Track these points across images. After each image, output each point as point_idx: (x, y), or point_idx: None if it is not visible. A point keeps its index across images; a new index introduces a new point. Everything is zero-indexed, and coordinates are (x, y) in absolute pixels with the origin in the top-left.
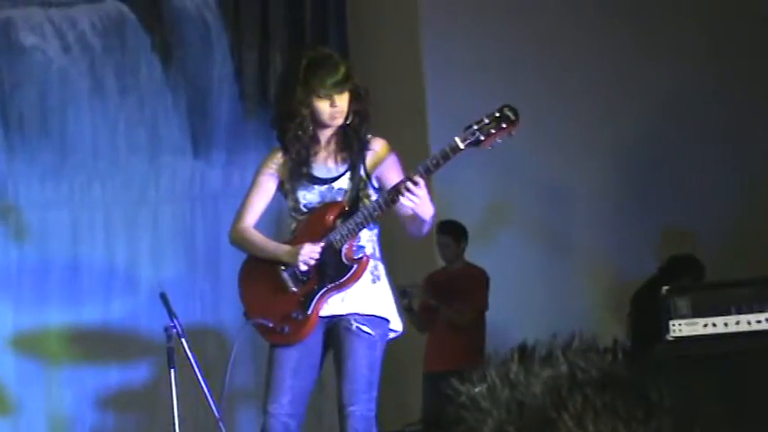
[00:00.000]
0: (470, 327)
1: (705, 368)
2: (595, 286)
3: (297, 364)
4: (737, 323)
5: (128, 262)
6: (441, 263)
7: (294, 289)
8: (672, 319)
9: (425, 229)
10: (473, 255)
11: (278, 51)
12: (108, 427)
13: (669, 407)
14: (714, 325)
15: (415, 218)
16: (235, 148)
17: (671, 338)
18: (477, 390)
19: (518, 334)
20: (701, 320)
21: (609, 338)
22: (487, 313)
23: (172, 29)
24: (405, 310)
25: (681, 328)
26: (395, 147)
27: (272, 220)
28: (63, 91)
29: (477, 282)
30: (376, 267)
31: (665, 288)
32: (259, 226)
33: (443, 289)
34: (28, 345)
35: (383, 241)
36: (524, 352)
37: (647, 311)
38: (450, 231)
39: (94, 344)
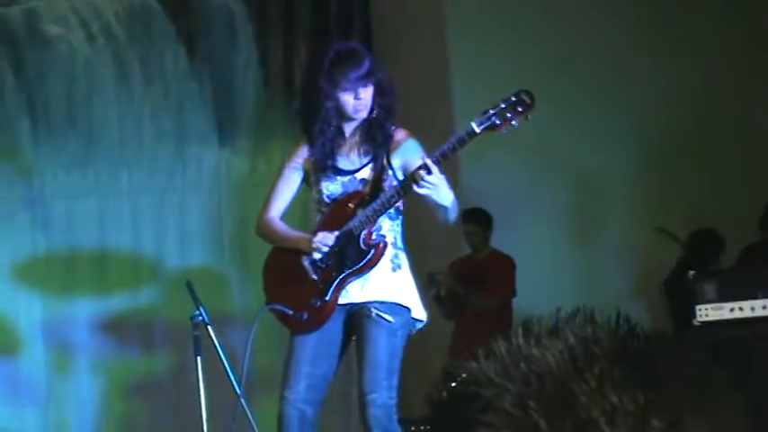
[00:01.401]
0: (497, 314)
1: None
2: (624, 272)
3: (315, 352)
4: (764, 307)
5: (154, 250)
6: (468, 251)
7: (314, 277)
8: (698, 304)
9: (451, 215)
10: (500, 242)
11: (302, 39)
12: (136, 415)
13: (681, 376)
14: (741, 309)
15: (436, 204)
16: (260, 136)
17: (698, 323)
18: (486, 365)
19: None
20: (728, 305)
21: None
22: (515, 300)
23: (196, 18)
24: (433, 297)
25: (707, 312)
26: (420, 132)
27: (304, 211)
28: (88, 81)
29: (505, 269)
30: (397, 256)
31: (691, 273)
32: (291, 216)
33: (470, 276)
34: (56, 334)
35: (411, 231)
36: (529, 327)
37: (679, 296)
38: (476, 219)
39: (122, 332)
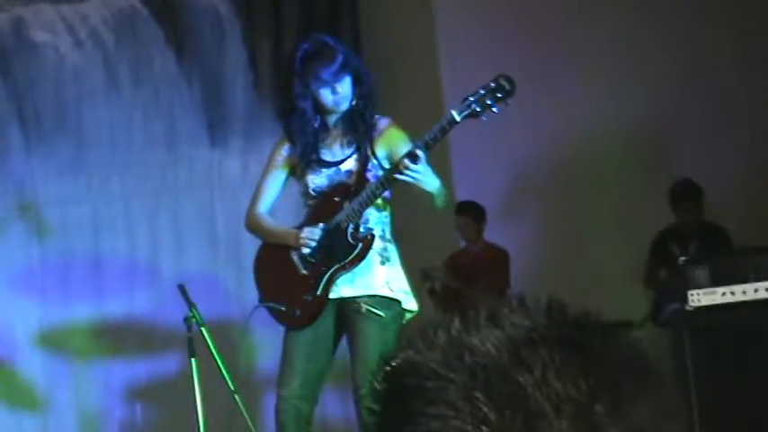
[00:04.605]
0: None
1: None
2: (618, 259)
3: (309, 348)
4: (756, 291)
5: (149, 254)
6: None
7: (304, 272)
8: (690, 289)
9: (439, 201)
10: (494, 236)
11: (291, 37)
12: (137, 420)
13: (617, 361)
14: (732, 293)
15: (423, 192)
16: (251, 136)
17: (690, 308)
18: (429, 356)
19: None
20: (720, 289)
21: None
22: (510, 292)
23: (183, 20)
24: (428, 292)
25: (699, 297)
26: (409, 122)
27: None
28: (77, 86)
29: (499, 261)
30: (385, 248)
31: (682, 259)
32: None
33: (465, 270)
34: (54, 341)
35: (406, 225)
36: (467, 316)
37: (661, 259)
38: (469, 212)
39: (119, 337)
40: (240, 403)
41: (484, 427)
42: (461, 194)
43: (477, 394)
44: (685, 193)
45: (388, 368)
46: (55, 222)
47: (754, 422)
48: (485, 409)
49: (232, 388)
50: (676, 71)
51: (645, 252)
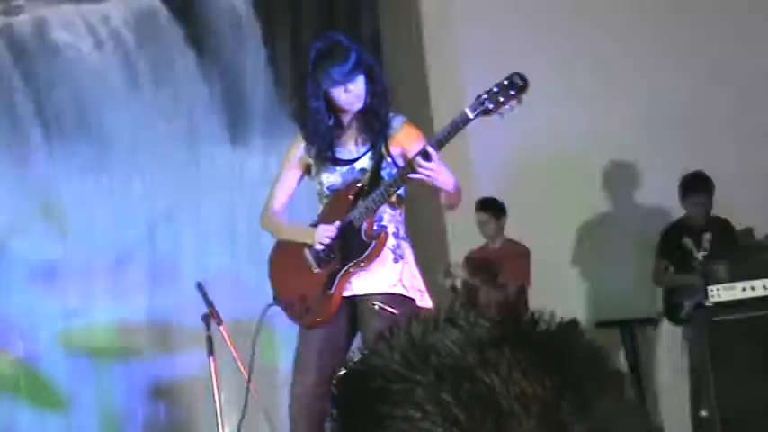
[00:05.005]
0: (514, 304)
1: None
2: (641, 257)
3: (323, 345)
4: None
5: (171, 253)
6: (482, 241)
7: (318, 270)
8: (709, 284)
9: (454, 199)
10: (514, 232)
11: (311, 36)
12: (160, 418)
13: (580, 359)
14: (753, 288)
15: (439, 190)
16: (272, 135)
17: (710, 304)
18: (391, 357)
19: (563, 308)
20: (739, 284)
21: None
22: (531, 289)
23: (204, 20)
24: (449, 290)
25: (719, 293)
26: (431, 118)
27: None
28: (98, 87)
29: (519, 257)
30: (399, 246)
31: (701, 254)
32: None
33: (486, 266)
34: (77, 340)
35: (422, 223)
36: (426, 317)
37: (673, 253)
38: (489, 208)
39: (142, 336)
40: (253, 392)
41: (455, 429)
42: (481, 191)
43: (445, 395)
44: (695, 187)
45: (347, 372)
46: (77, 222)
47: None
48: (454, 410)
49: (246, 377)
50: (676, 68)
51: (647, 249)
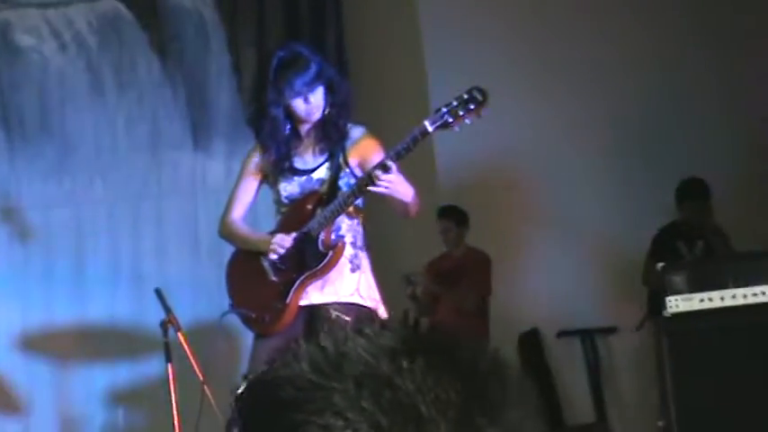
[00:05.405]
0: (474, 311)
1: (699, 342)
2: (601, 266)
3: (277, 354)
4: (734, 297)
5: (132, 258)
6: (443, 249)
7: (274, 278)
8: (668, 295)
9: (412, 209)
10: (476, 239)
11: (275, 43)
12: (118, 424)
13: (484, 368)
14: (710, 299)
15: (396, 201)
16: (235, 141)
17: (668, 315)
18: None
19: (524, 317)
20: (698, 295)
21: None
22: (492, 297)
23: (168, 25)
24: (409, 297)
25: (678, 303)
26: (395, 126)
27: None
28: (61, 90)
29: (480, 265)
30: (356, 256)
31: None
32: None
33: (447, 274)
34: (36, 344)
35: (386, 230)
36: (333, 329)
37: (665, 257)
38: (451, 216)
39: (102, 341)
40: (209, 394)
41: None
42: (445, 199)
43: (366, 403)
44: (689, 192)
45: (253, 383)
46: (38, 225)
47: (731, 427)
48: (377, 417)
49: (201, 378)
50: (667, 70)
51: (634, 252)
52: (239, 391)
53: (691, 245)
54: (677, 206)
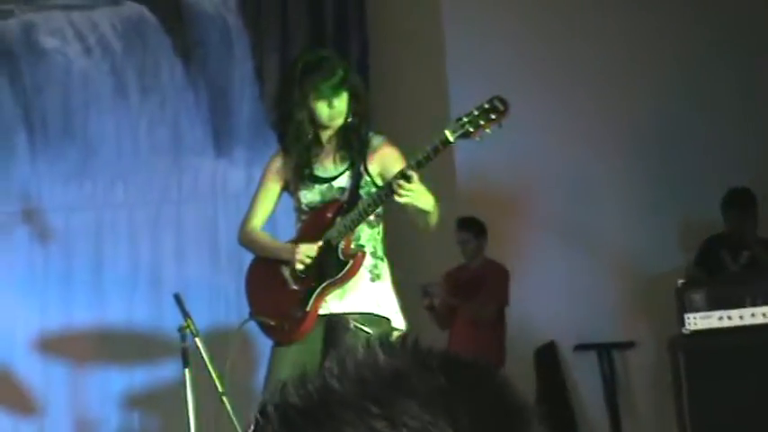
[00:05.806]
0: (491, 323)
1: (717, 360)
2: (620, 280)
3: (295, 363)
4: (753, 315)
5: (151, 262)
6: (461, 260)
7: (294, 287)
8: (687, 312)
9: (432, 220)
10: (495, 252)
11: (299, 50)
12: (134, 428)
13: (490, 393)
14: (729, 318)
15: (416, 211)
16: (256, 147)
17: (686, 332)
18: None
19: (541, 330)
20: (716, 313)
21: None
22: (509, 310)
23: (192, 30)
24: (427, 308)
25: (696, 321)
26: (416, 134)
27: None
28: (85, 93)
29: (498, 277)
30: (376, 266)
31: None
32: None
33: (464, 285)
34: (54, 346)
35: (405, 240)
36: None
37: (711, 267)
38: (470, 227)
39: (119, 344)
40: (228, 405)
41: None
42: (464, 210)
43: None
44: (732, 202)
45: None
46: (58, 228)
47: None
48: None
49: (220, 390)
50: (684, 75)
51: (653, 269)
52: (265, 409)
53: (735, 255)
54: (723, 216)
